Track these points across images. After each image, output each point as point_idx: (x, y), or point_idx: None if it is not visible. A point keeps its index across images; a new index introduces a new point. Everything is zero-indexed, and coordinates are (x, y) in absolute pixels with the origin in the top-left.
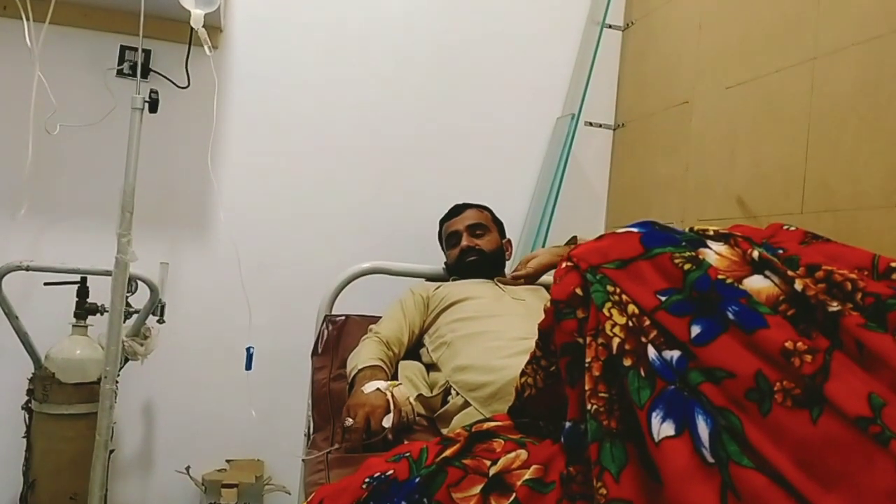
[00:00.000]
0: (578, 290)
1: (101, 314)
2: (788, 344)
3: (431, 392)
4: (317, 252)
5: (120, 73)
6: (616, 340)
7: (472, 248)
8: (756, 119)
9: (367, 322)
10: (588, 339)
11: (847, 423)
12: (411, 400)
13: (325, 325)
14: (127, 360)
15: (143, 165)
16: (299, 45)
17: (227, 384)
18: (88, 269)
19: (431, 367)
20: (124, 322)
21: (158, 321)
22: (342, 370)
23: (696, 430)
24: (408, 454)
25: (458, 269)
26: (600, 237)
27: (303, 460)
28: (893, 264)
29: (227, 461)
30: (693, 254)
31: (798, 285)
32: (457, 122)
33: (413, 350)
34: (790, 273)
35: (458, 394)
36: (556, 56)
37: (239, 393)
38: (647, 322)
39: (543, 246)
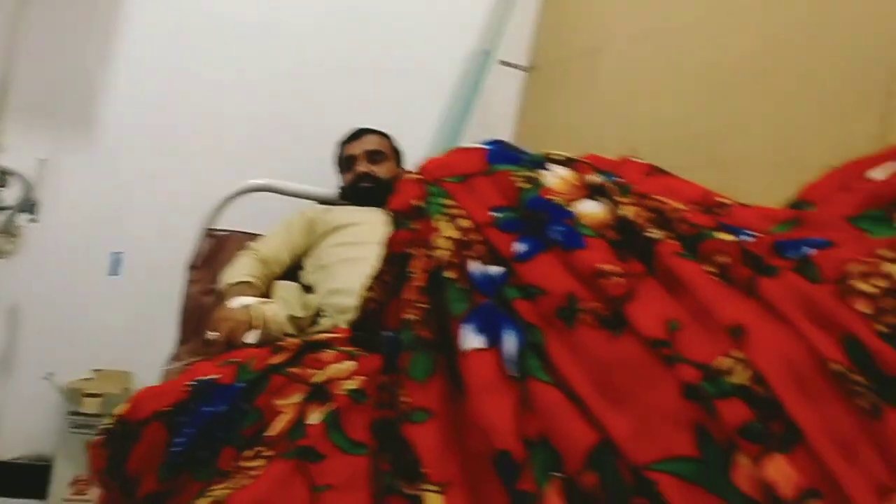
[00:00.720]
0: (417, 202)
1: None
2: (601, 266)
3: (304, 313)
4: (210, 165)
5: None
6: (442, 253)
7: (368, 174)
8: (658, 71)
9: (248, 239)
10: (416, 250)
11: (642, 344)
12: (280, 318)
13: (205, 238)
14: None
15: (32, 53)
16: None
17: (100, 292)
18: None
19: (308, 288)
20: None
21: (31, 220)
22: (217, 285)
23: (504, 345)
24: (236, 360)
25: (352, 194)
26: (451, 151)
27: (164, 371)
28: (719, 199)
29: (95, 371)
30: (532, 174)
31: (625, 212)
32: (367, 46)
33: (293, 271)
34: (619, 199)
35: (328, 316)
36: None
37: (112, 302)
38: (477, 237)
39: None
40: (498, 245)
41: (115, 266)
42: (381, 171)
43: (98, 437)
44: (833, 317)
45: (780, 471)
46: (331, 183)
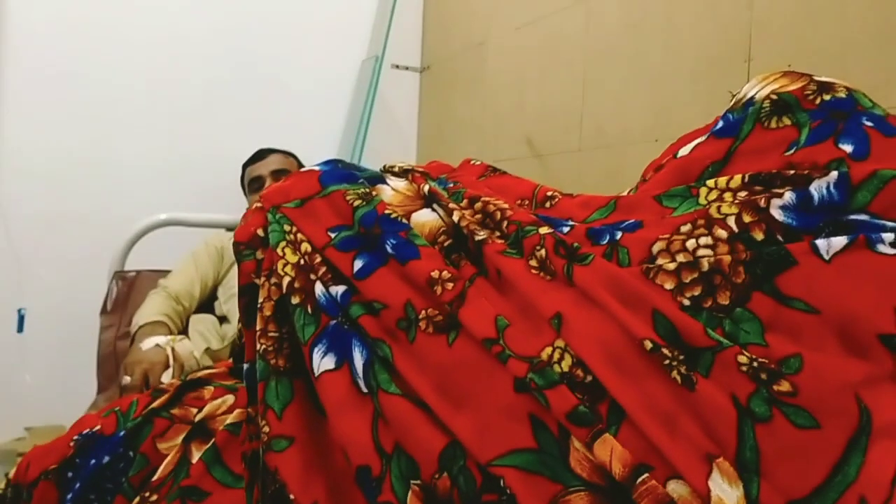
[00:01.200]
0: (260, 232)
1: None
2: (434, 273)
3: (223, 344)
4: (110, 204)
5: None
6: (287, 279)
7: None
8: (542, 60)
9: (159, 277)
10: (262, 280)
11: (476, 344)
12: (196, 354)
13: (114, 281)
14: None
15: None
16: None
17: (15, 350)
18: None
19: (224, 319)
20: None
21: None
22: (130, 328)
23: (353, 363)
24: (117, 408)
25: None
26: (287, 177)
27: None
28: (549, 193)
29: (27, 429)
30: (367, 190)
31: (456, 217)
32: (259, 66)
33: (208, 303)
34: (451, 205)
35: None
36: None
37: (29, 358)
38: (318, 259)
39: None
40: (338, 265)
41: (21, 323)
42: None
43: None
44: (640, 296)
45: (611, 450)
46: (234, 209)
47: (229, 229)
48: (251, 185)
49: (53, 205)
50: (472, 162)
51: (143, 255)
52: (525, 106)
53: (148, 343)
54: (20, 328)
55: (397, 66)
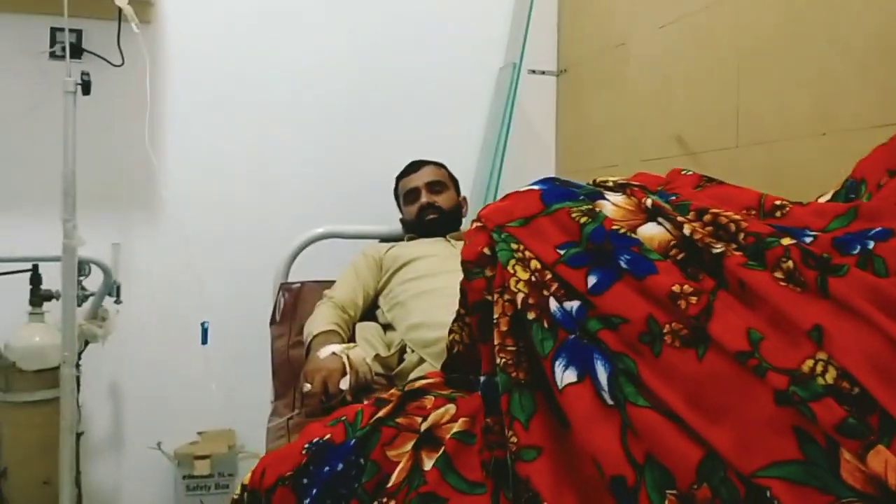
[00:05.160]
0: (486, 250)
1: (57, 300)
2: (675, 287)
3: (388, 351)
4: (271, 221)
5: (53, 55)
6: (520, 295)
7: (432, 204)
8: (689, 57)
9: (322, 288)
10: (495, 297)
11: (729, 358)
12: (368, 360)
13: (280, 293)
14: (87, 342)
15: (85, 147)
16: (234, 12)
17: (191, 359)
18: (38, 255)
19: (388, 326)
20: (80, 306)
21: (115, 302)
22: (300, 337)
23: (596, 375)
24: (344, 418)
25: (418, 226)
26: (504, 197)
27: (267, 428)
28: (778, 202)
29: (199, 433)
30: (590, 207)
31: (687, 230)
32: (399, 79)
33: (370, 311)
34: (680, 218)
35: (413, 351)
36: (494, 5)
37: (205, 367)
38: (549, 276)
39: (495, 199)
40: (571, 281)
41: (205, 335)
42: (443, 200)
43: None
44: None
45: (885, 462)
46: (386, 219)
47: (383, 240)
48: (406, 196)
49: (223, 225)
50: (683, 172)
51: (304, 266)
52: (672, 104)
53: (325, 351)
54: (204, 340)
55: (533, 71)
